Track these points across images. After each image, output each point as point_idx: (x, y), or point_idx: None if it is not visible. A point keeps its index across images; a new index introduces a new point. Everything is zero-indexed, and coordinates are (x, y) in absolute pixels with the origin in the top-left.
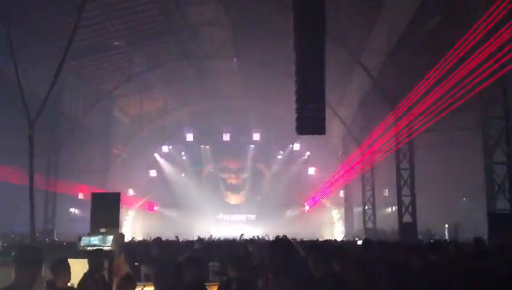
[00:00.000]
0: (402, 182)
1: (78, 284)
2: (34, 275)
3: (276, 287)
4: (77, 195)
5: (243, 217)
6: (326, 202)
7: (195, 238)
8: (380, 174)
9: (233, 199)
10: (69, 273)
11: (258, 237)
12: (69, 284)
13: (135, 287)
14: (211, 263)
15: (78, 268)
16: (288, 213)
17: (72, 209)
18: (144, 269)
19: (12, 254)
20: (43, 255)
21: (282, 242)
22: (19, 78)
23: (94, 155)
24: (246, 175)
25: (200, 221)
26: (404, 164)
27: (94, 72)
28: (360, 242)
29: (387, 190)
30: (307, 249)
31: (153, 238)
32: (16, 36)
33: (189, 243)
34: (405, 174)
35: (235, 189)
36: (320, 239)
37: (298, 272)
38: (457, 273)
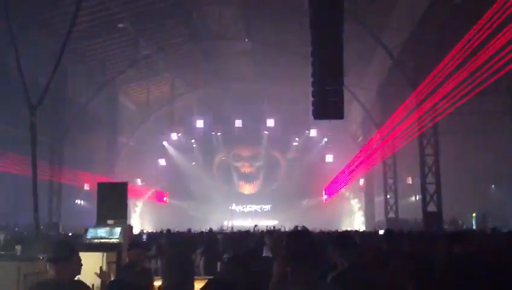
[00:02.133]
0: (426, 169)
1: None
2: (71, 269)
3: (296, 282)
4: (83, 186)
5: (257, 207)
6: (345, 191)
7: (207, 230)
8: (402, 161)
9: (247, 189)
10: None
11: (274, 228)
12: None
13: (152, 281)
14: (225, 255)
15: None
16: (305, 203)
17: (78, 201)
18: (153, 263)
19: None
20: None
21: (302, 233)
22: (19, 63)
23: (100, 144)
24: (259, 163)
25: (212, 212)
26: (429, 150)
27: (98, 57)
28: (381, 232)
29: (410, 177)
30: (330, 240)
31: (163, 230)
32: (15, 19)
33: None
34: (429, 160)
35: (248, 178)
36: (339, 230)
37: (320, 265)
38: (482, 264)
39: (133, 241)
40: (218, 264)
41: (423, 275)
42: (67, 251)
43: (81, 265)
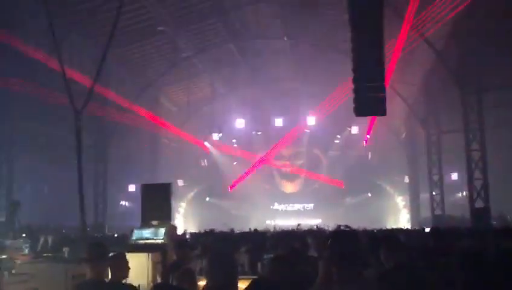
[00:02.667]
0: (473, 165)
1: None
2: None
3: (341, 282)
4: (127, 187)
5: (299, 206)
6: (390, 189)
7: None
8: (448, 156)
9: (289, 188)
10: (128, 268)
11: (316, 226)
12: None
13: (196, 282)
14: (265, 256)
15: (135, 262)
16: (348, 201)
17: (122, 202)
18: (199, 263)
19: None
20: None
21: (347, 233)
22: (63, 68)
23: (143, 145)
24: (301, 162)
25: (255, 211)
26: (475, 145)
27: (139, 60)
28: (427, 230)
29: (456, 173)
30: (375, 239)
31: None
32: (57, 26)
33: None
34: (476, 155)
35: (290, 177)
36: (384, 229)
37: (365, 265)
38: None
39: (180, 241)
40: (259, 264)
41: (472, 272)
42: (100, 251)
43: (129, 268)
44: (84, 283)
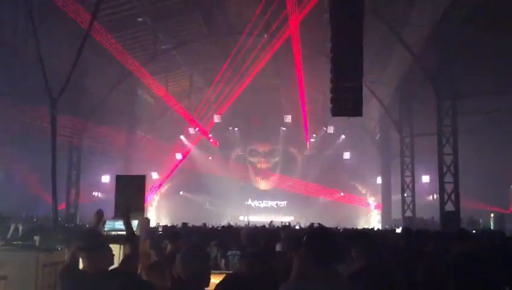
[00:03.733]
0: (444, 168)
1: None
2: (100, 258)
3: (316, 278)
4: (100, 178)
5: (273, 203)
6: (362, 189)
7: (225, 224)
8: (420, 159)
9: (263, 184)
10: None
11: (289, 224)
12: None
13: (165, 275)
14: (229, 252)
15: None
16: (321, 200)
17: (95, 193)
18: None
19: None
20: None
21: (323, 230)
22: (40, 55)
23: (118, 136)
24: (276, 159)
25: (228, 207)
26: (447, 149)
27: (117, 50)
28: (398, 230)
29: (428, 176)
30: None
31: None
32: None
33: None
34: (448, 159)
35: (264, 174)
36: (354, 228)
37: (339, 263)
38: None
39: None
40: (223, 260)
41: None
42: (98, 241)
43: (113, 255)
44: (76, 270)
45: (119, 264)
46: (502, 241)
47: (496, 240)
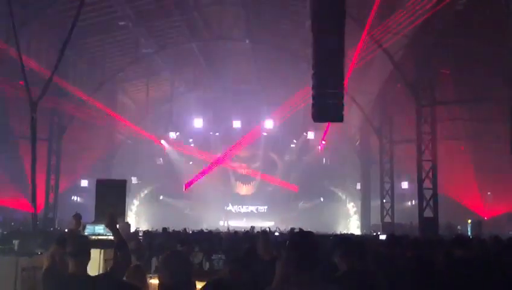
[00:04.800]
0: (423, 175)
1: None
2: (86, 262)
3: (299, 283)
4: (80, 182)
5: (253, 208)
6: (342, 195)
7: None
8: (399, 166)
9: (244, 190)
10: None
11: (269, 229)
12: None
13: (145, 278)
14: (214, 256)
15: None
16: (301, 205)
17: (74, 197)
18: (154, 261)
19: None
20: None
21: (307, 234)
22: (21, 58)
23: (98, 141)
24: (257, 164)
25: (208, 212)
26: (426, 155)
27: (99, 53)
28: (382, 237)
29: (407, 182)
30: (331, 242)
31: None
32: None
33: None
34: (427, 165)
35: (245, 179)
36: (334, 233)
37: (321, 267)
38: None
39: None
40: (207, 263)
41: (425, 279)
42: (88, 246)
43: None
44: (70, 277)
45: (110, 269)
46: (500, 248)
47: (495, 246)
